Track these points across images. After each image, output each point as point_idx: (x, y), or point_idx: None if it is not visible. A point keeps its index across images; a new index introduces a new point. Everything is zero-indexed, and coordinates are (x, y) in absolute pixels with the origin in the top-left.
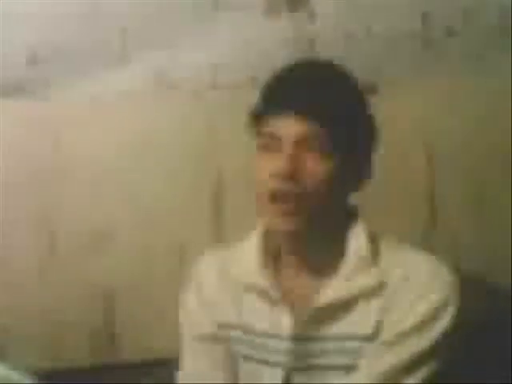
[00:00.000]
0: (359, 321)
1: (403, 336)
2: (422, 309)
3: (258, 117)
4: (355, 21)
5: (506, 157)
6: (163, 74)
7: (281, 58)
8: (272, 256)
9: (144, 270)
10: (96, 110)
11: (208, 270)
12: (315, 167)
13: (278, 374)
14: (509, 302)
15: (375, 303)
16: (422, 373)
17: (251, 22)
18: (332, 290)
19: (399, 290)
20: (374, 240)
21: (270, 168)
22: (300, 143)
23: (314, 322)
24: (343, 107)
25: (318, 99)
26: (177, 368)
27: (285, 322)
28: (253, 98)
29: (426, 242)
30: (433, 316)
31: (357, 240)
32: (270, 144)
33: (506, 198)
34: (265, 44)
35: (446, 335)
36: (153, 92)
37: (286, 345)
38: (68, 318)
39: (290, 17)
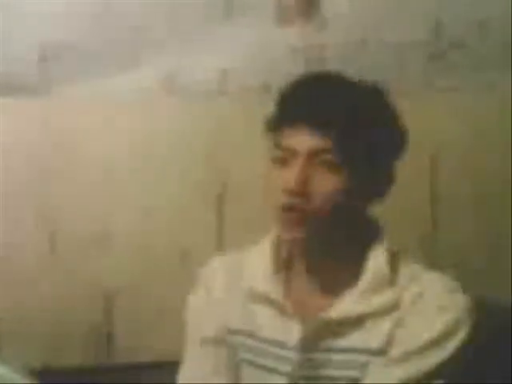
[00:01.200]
0: (369, 335)
1: (413, 353)
2: (435, 328)
3: (273, 127)
4: (366, 30)
5: (508, 159)
6: (173, 76)
7: (291, 64)
8: (284, 264)
9: (144, 271)
10: (103, 110)
11: (218, 272)
12: (328, 181)
13: (283, 383)
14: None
15: (388, 319)
16: None
17: (262, 28)
18: (346, 305)
19: (413, 308)
20: (393, 259)
21: (281, 182)
22: (313, 156)
23: (323, 333)
24: (361, 125)
25: (333, 112)
26: (175, 371)
27: (294, 331)
28: (262, 103)
29: (427, 244)
30: (445, 335)
31: (376, 260)
32: (283, 156)
33: (507, 201)
34: (275, 51)
35: (456, 355)
36: (162, 94)
37: (293, 354)
38: (67, 317)
39: (301, 24)
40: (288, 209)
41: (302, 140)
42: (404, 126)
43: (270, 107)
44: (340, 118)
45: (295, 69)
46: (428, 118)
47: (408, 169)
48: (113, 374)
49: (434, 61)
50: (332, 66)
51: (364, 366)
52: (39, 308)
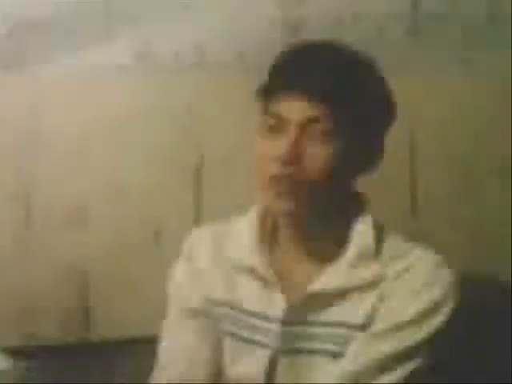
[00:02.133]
0: (352, 310)
1: (397, 328)
2: (420, 303)
3: (265, 96)
4: (344, 3)
5: (490, 146)
6: (148, 49)
7: (268, 36)
8: (269, 236)
9: (119, 247)
10: (76, 84)
11: (201, 243)
12: (318, 151)
13: (265, 355)
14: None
15: (372, 294)
16: (409, 367)
17: None
18: (329, 278)
19: (398, 282)
20: (379, 232)
21: (272, 151)
22: (305, 126)
23: (306, 306)
24: (352, 92)
25: (327, 82)
26: (151, 346)
27: (277, 303)
28: (238, 75)
29: (407, 231)
30: (429, 311)
31: (362, 231)
32: (275, 125)
33: (489, 189)
34: (252, 22)
35: (440, 332)
36: (136, 67)
37: (275, 327)
38: (42, 292)
39: None
40: (277, 178)
41: (295, 108)
42: (393, 98)
43: (245, 79)
44: (332, 87)
45: (273, 41)
46: (405, 92)
47: (387, 145)
48: (89, 351)
49: (411, 35)
50: (310, 37)
51: (347, 340)
52: (12, 282)
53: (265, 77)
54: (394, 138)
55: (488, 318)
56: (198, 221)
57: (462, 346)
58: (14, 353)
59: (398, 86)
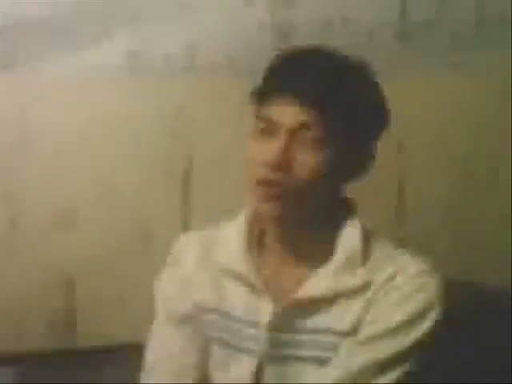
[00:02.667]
0: (340, 316)
1: (383, 334)
2: (407, 309)
3: (258, 99)
4: (333, 7)
5: (478, 146)
6: (139, 51)
7: (258, 40)
8: (256, 242)
9: (107, 250)
10: (66, 85)
11: (188, 249)
12: (308, 158)
13: (252, 362)
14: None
15: (358, 301)
16: (396, 373)
17: (230, 3)
18: (316, 284)
19: (385, 289)
20: (367, 237)
21: (261, 155)
22: (295, 132)
23: (293, 313)
24: (344, 98)
25: (319, 87)
26: (138, 353)
27: (264, 310)
28: (229, 78)
29: (395, 232)
30: (416, 317)
31: (350, 236)
32: (266, 128)
33: (476, 187)
34: (243, 26)
35: (427, 338)
36: (127, 69)
37: (262, 334)
38: (28, 293)
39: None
40: (265, 183)
41: (286, 113)
42: (387, 104)
43: (236, 82)
44: (324, 93)
45: (263, 44)
46: (394, 97)
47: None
48: (75, 357)
49: (400, 40)
50: (299, 41)
51: (334, 347)
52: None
53: (255, 80)
54: (382, 143)
55: (488, 319)
56: (186, 223)
57: (461, 346)
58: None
59: (387, 90)
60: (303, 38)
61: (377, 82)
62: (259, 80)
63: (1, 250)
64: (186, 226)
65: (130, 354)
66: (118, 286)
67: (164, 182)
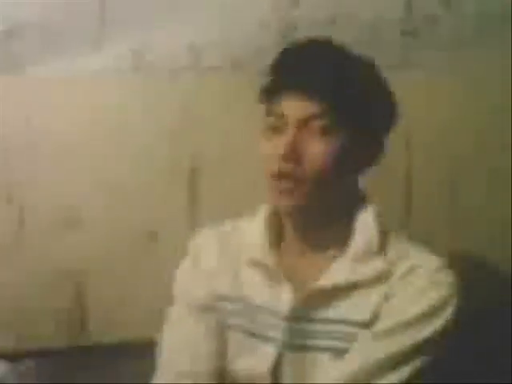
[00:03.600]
0: (358, 307)
1: (400, 327)
2: (423, 303)
3: (266, 95)
4: (338, 5)
5: (482, 144)
6: (140, 52)
7: (261, 39)
8: (277, 235)
9: (114, 247)
10: (70, 87)
11: (207, 242)
12: (318, 148)
13: (272, 350)
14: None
15: (377, 291)
16: (409, 368)
17: (232, 2)
18: (336, 273)
19: (402, 282)
20: (383, 229)
21: (274, 148)
22: (304, 122)
23: (313, 302)
24: (350, 88)
25: (325, 79)
26: (146, 350)
27: (284, 299)
28: (231, 78)
29: (401, 228)
30: (433, 311)
31: (367, 227)
32: (276, 123)
33: (482, 187)
34: (245, 25)
35: (443, 332)
36: (128, 70)
37: (282, 322)
38: (35, 293)
39: None
40: (279, 176)
41: (294, 106)
42: (394, 98)
43: (239, 81)
44: (332, 84)
45: (265, 44)
46: (399, 93)
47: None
48: (84, 353)
49: (406, 37)
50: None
51: (351, 337)
52: (6, 283)
53: (259, 79)
54: (390, 139)
55: (488, 318)
56: (192, 222)
57: (461, 346)
58: (7, 356)
59: (392, 87)
60: (307, 37)
61: (383, 77)
62: (265, 78)
63: (7, 251)
64: (192, 225)
65: (137, 350)
66: (125, 283)
67: (169, 182)
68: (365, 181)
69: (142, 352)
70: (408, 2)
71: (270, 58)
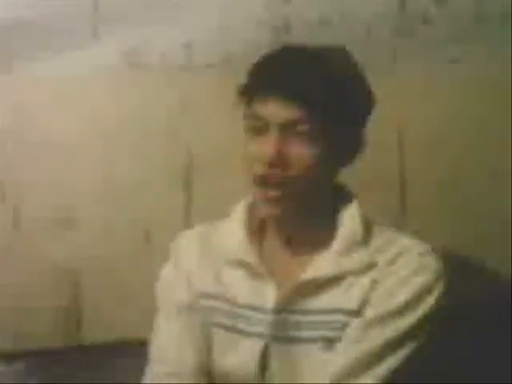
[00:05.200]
0: (345, 296)
1: (388, 315)
2: (410, 289)
3: (245, 97)
4: (330, 5)
5: (478, 143)
6: (136, 50)
7: (256, 37)
8: (257, 230)
9: (109, 246)
10: (64, 84)
11: (188, 243)
12: (302, 151)
13: (258, 344)
14: None
15: (363, 281)
16: (405, 351)
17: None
18: (319, 266)
19: (388, 269)
20: (366, 221)
21: (256, 152)
22: (287, 127)
23: (298, 295)
24: (331, 90)
25: (306, 83)
26: (142, 349)
27: (268, 295)
28: (226, 76)
29: (396, 228)
30: (420, 296)
31: (350, 221)
32: (256, 126)
33: (477, 185)
34: (240, 23)
35: (429, 318)
36: (124, 68)
37: (268, 317)
38: (31, 292)
39: None
40: (264, 182)
41: (276, 111)
42: (369, 87)
43: (233, 79)
44: (314, 89)
45: (260, 41)
46: (393, 92)
47: (376, 145)
48: (79, 352)
49: (398, 35)
50: (297, 38)
51: (340, 327)
52: (3, 284)
53: (243, 81)
54: (382, 138)
55: (488, 317)
56: (187, 220)
57: (461, 345)
58: (4, 355)
59: (386, 86)
60: (301, 35)
61: (359, 68)
62: (242, 81)
63: (4, 250)
64: (187, 224)
65: (132, 350)
66: (121, 283)
67: (164, 180)
68: (355, 180)
69: (139, 352)
70: (402, 1)
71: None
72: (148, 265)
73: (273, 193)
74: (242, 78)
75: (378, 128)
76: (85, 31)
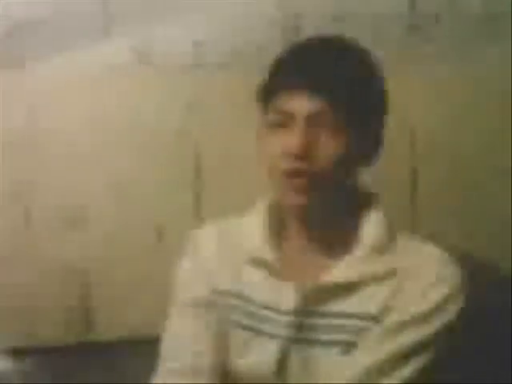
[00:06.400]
0: (365, 301)
1: (408, 323)
2: (431, 298)
3: (268, 92)
4: (341, 3)
5: (491, 143)
6: (147, 49)
7: (267, 36)
8: (278, 227)
9: (120, 246)
10: (75, 84)
11: (207, 239)
12: (328, 143)
13: (275, 346)
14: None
15: (384, 287)
16: (422, 360)
17: None
18: (342, 270)
19: (410, 278)
20: (390, 226)
21: (282, 146)
22: (312, 119)
23: (317, 298)
24: (356, 83)
25: (331, 75)
26: (153, 346)
27: (288, 296)
28: (238, 75)
29: (408, 229)
30: (441, 305)
31: (375, 225)
32: (281, 120)
33: (489, 185)
34: (251, 21)
35: (450, 327)
36: (135, 67)
37: (286, 318)
38: (42, 292)
39: None
40: (291, 174)
41: (302, 104)
42: (387, 90)
43: (245, 79)
44: (339, 82)
45: (272, 40)
46: (404, 91)
47: (387, 143)
48: (90, 351)
49: (409, 33)
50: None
51: (358, 331)
52: (13, 283)
53: (265, 76)
54: (394, 137)
55: (488, 317)
56: (198, 220)
57: (461, 345)
58: (15, 353)
59: (397, 85)
60: (313, 33)
61: (380, 67)
62: (264, 75)
63: (14, 249)
64: (197, 222)
65: (143, 349)
66: (131, 282)
67: (174, 180)
68: (370, 180)
69: (148, 350)
70: (413, 0)
71: (275, 55)
72: (158, 264)
73: (299, 181)
74: (253, 78)
75: (389, 127)
76: (96, 30)
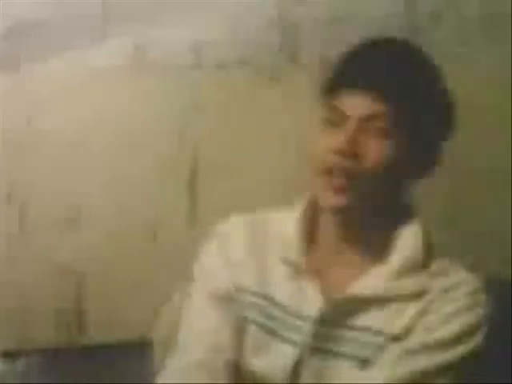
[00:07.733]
0: (390, 319)
1: (432, 346)
2: (458, 323)
3: (329, 89)
4: (340, 5)
5: (491, 143)
6: (145, 50)
7: (267, 37)
8: (310, 230)
9: (114, 247)
10: (72, 85)
11: (236, 232)
12: (377, 147)
13: (292, 352)
14: None
15: (414, 305)
16: None
17: None
18: (369, 283)
19: (441, 299)
20: (428, 242)
21: (331, 143)
22: (365, 121)
23: (343, 309)
24: (419, 90)
25: (393, 79)
26: (148, 349)
27: (312, 302)
28: (237, 77)
29: None
30: (465, 334)
31: (411, 240)
32: (334, 119)
33: (482, 187)
34: (250, 22)
35: (471, 355)
36: (133, 68)
37: (307, 325)
38: (36, 293)
39: None
40: (332, 172)
41: (356, 104)
42: (454, 105)
43: (244, 80)
44: (402, 86)
45: (270, 41)
46: None
47: None
48: (83, 353)
49: (408, 35)
50: (308, 39)
51: (379, 348)
52: (6, 285)
53: (263, 77)
54: None
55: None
56: (192, 222)
57: None
58: (8, 355)
59: None
60: (311, 35)
61: (445, 83)
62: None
63: (9, 250)
64: (191, 226)
65: (137, 351)
66: (125, 283)
67: (171, 182)
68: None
69: (142, 352)
70: (412, 1)
71: (274, 56)
72: (152, 265)
73: (339, 181)
74: (252, 79)
75: None
76: (95, 31)
